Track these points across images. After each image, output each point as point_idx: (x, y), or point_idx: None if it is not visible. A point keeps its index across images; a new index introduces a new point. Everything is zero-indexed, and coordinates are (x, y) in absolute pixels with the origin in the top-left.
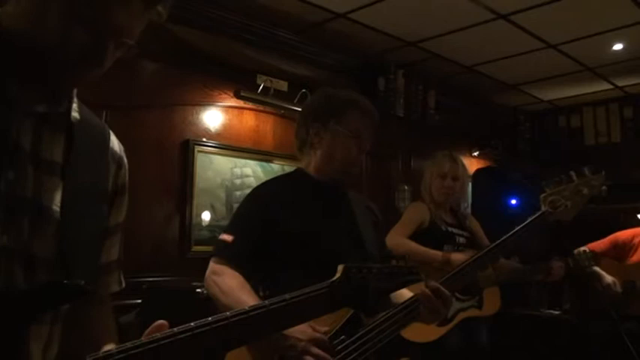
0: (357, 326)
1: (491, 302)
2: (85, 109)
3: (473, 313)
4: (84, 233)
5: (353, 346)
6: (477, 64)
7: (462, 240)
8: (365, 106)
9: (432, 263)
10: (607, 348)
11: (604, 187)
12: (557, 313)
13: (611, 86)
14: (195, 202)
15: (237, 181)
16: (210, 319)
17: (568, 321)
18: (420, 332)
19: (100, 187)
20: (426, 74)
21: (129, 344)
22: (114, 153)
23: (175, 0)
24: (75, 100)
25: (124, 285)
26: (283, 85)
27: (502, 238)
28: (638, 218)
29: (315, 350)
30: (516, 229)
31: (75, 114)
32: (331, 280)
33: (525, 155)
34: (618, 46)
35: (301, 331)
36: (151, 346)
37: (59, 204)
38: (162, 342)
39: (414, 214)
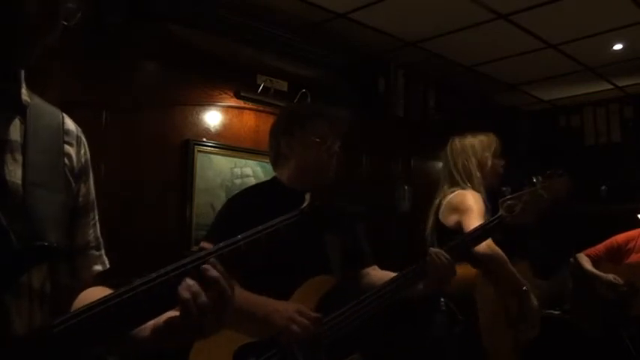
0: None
1: None
2: (36, 96)
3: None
4: (49, 206)
5: (340, 318)
6: (477, 64)
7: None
8: (327, 112)
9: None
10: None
11: (603, 188)
12: (557, 313)
13: (611, 86)
14: (195, 202)
15: (237, 181)
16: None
17: (568, 321)
18: None
19: (58, 163)
20: (426, 74)
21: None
22: (70, 132)
23: (176, 0)
24: (24, 85)
25: (108, 265)
26: (283, 85)
27: (461, 239)
28: (638, 218)
29: (300, 318)
30: (471, 230)
31: (25, 97)
32: (300, 208)
33: (525, 155)
34: (618, 46)
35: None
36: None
37: (20, 179)
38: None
39: (479, 203)
